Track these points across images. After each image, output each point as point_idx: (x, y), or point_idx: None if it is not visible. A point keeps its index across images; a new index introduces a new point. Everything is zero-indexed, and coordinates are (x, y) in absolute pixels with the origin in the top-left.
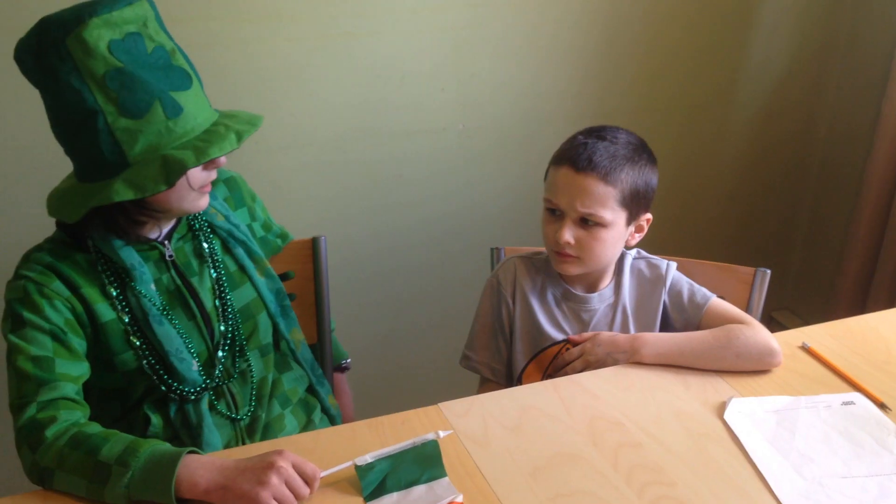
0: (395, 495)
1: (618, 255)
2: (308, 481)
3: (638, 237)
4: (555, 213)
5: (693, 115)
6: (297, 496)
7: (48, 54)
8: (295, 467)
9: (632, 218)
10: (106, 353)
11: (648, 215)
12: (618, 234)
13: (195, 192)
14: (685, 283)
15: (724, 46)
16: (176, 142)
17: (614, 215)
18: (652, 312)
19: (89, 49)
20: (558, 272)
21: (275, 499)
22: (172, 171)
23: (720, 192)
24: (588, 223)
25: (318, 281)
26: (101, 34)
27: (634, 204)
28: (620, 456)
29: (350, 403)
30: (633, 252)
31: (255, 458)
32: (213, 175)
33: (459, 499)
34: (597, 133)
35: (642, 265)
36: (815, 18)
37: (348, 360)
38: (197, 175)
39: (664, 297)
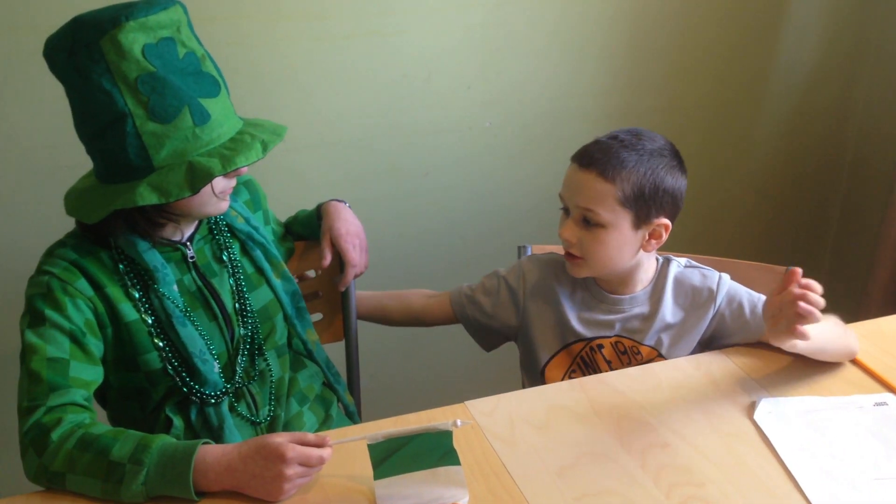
0: (404, 477)
1: (630, 260)
2: (318, 447)
3: (655, 244)
4: (567, 212)
5: (721, 112)
6: (317, 463)
7: (81, 54)
8: (297, 441)
9: (640, 221)
10: (130, 353)
11: (666, 221)
12: (623, 238)
13: (216, 197)
14: (744, 294)
15: (754, 43)
16: (202, 148)
17: (615, 216)
18: (693, 329)
19: (123, 52)
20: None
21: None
22: (198, 179)
23: (750, 191)
24: (589, 223)
25: None
26: (136, 38)
27: (640, 205)
28: (648, 456)
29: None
30: (683, 261)
31: (258, 460)
32: (234, 182)
33: (464, 501)
34: (620, 134)
35: (691, 278)
36: (846, 16)
37: None
38: (220, 182)
39: (713, 311)
